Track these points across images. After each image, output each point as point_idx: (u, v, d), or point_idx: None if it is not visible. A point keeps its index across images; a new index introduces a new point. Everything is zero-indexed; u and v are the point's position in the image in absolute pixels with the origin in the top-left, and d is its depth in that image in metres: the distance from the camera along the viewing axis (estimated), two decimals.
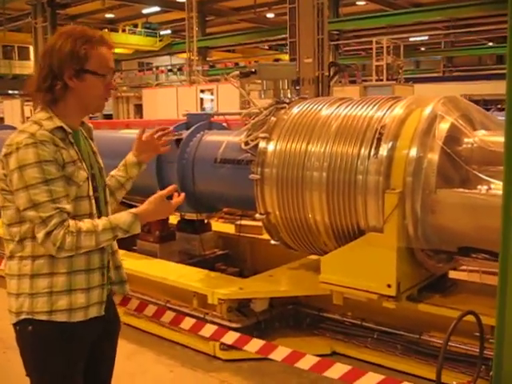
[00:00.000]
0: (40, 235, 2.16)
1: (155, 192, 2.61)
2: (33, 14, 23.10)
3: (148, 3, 30.39)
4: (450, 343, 3.20)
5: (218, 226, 6.54)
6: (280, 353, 3.47)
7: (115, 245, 2.52)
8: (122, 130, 8.08)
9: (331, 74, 13.43)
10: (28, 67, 33.81)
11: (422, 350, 4.05)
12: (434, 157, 3.63)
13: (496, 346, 2.61)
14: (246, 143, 4.70)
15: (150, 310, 4.23)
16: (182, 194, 2.50)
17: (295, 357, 3.38)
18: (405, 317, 4.15)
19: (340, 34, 24.43)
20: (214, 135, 5.34)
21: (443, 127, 3.70)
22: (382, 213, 3.70)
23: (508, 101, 2.41)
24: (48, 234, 2.15)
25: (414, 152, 3.64)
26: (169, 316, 4.12)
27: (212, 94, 16.82)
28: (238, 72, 4.97)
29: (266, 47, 39.90)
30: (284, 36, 14.64)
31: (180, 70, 28.18)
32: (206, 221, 5.95)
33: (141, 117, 19.81)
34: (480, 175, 3.53)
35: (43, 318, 2.24)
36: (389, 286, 3.69)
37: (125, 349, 4.56)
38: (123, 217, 2.31)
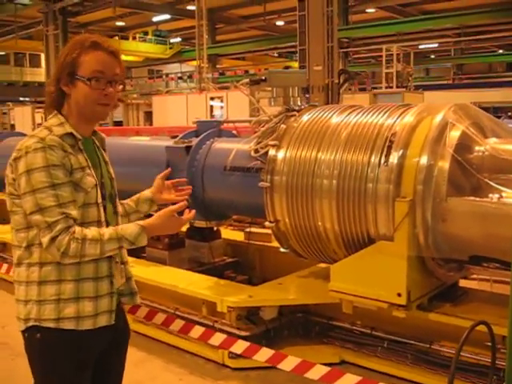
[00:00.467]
0: (45, 240, 2.16)
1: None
2: (44, 21, 23.25)
3: (158, 11, 30.53)
4: (460, 353, 3.16)
5: (228, 233, 6.53)
6: (289, 362, 3.45)
7: (125, 256, 2.52)
8: (132, 136, 8.11)
9: (341, 81, 13.41)
10: (39, 74, 34.03)
11: (432, 359, 4.02)
12: (444, 165, 3.61)
13: (508, 357, 2.57)
14: (256, 151, 4.70)
15: (159, 318, 4.21)
16: (193, 211, 2.47)
17: (304, 367, 3.36)
18: (415, 326, 4.12)
19: (350, 41, 24.42)
20: (224, 143, 5.34)
21: (454, 135, 3.68)
22: (392, 221, 3.68)
23: None
24: (53, 239, 2.14)
25: (424, 160, 3.62)
26: (178, 324, 4.10)
27: (222, 101, 16.83)
28: (248, 79, 4.98)
29: (276, 55, 39.98)
30: (294, 44, 14.66)
31: (190, 77, 28.28)
32: (215, 228, 5.94)
33: (151, 124, 19.85)
34: (491, 183, 3.51)
35: (50, 325, 2.23)
36: (399, 294, 3.66)
37: (133, 356, 4.55)
38: (130, 228, 2.29)
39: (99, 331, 2.32)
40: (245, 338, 4.28)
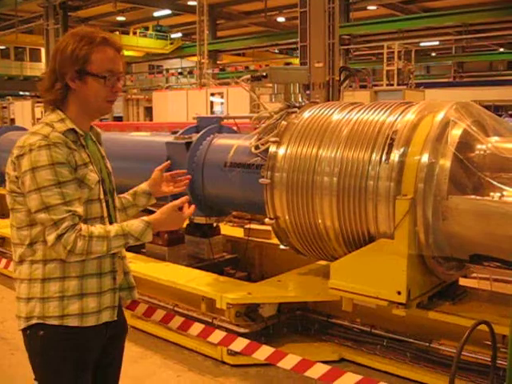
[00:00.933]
0: (51, 238, 2.13)
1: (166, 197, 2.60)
2: (45, 16, 23.25)
3: (159, 6, 30.49)
4: (461, 352, 3.15)
5: (227, 229, 6.52)
6: (289, 361, 3.43)
7: (123, 250, 2.50)
8: (132, 132, 8.10)
9: (342, 78, 13.40)
10: (39, 69, 34.02)
11: (431, 357, 4.01)
12: (446, 163, 3.59)
13: (509, 356, 2.57)
14: (257, 147, 4.68)
15: (159, 315, 4.20)
16: (192, 206, 2.47)
17: (304, 365, 3.34)
18: (415, 324, 4.11)
19: (351, 38, 24.38)
20: (224, 139, 5.32)
21: (456, 133, 3.67)
22: (392, 219, 3.67)
23: None
24: (59, 236, 2.12)
25: (425, 158, 3.60)
26: (177, 321, 4.08)
27: (222, 97, 16.83)
28: (249, 76, 4.95)
29: (276, 51, 39.94)
30: (294, 40, 14.63)
31: (190, 73, 28.24)
32: (214, 224, 5.93)
33: (151, 119, 19.85)
34: (493, 182, 3.50)
35: (55, 322, 2.21)
36: (399, 293, 3.65)
37: (132, 352, 4.56)
38: (135, 224, 2.28)
39: (101, 327, 2.31)
40: (244, 335, 4.26)
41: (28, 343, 2.30)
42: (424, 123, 3.77)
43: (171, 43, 36.43)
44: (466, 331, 3.19)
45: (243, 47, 35.20)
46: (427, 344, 4.03)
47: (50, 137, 2.17)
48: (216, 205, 5.32)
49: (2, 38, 30.60)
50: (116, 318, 2.38)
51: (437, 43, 31.43)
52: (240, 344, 3.72)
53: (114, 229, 2.23)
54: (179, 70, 31.72)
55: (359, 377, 3.18)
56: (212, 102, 17.19)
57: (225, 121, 5.79)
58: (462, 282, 4.37)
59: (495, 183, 3.48)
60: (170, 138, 5.46)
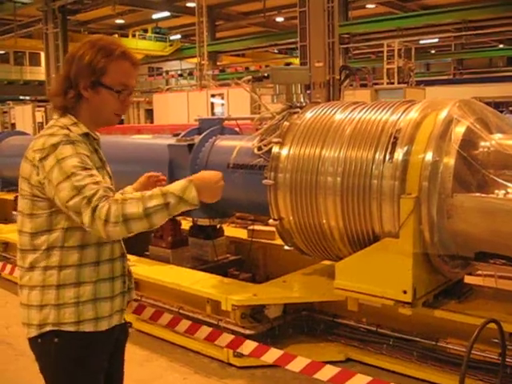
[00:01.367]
0: (87, 217, 2.04)
1: None
2: (44, 20, 23.26)
3: (158, 8, 30.52)
4: (471, 352, 3.14)
5: (231, 231, 6.51)
6: (298, 363, 3.41)
7: (123, 249, 2.49)
8: (134, 135, 8.10)
9: (342, 77, 13.39)
10: (39, 73, 34.07)
11: (438, 356, 3.99)
12: (450, 161, 3.58)
13: None
14: (259, 148, 4.68)
15: (165, 318, 4.18)
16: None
17: (313, 367, 3.32)
18: (421, 323, 4.10)
19: (350, 37, 24.38)
20: (227, 140, 5.31)
21: (459, 131, 3.66)
22: (397, 218, 3.66)
23: None
24: (93, 211, 2.03)
25: (429, 156, 3.59)
26: (184, 325, 4.07)
27: (222, 98, 16.83)
28: (250, 76, 4.94)
29: (276, 51, 39.94)
30: (293, 40, 14.64)
31: (190, 74, 28.25)
32: (218, 226, 5.92)
33: (152, 122, 19.85)
34: (497, 179, 3.49)
35: (71, 329, 2.19)
36: (404, 292, 3.64)
37: (138, 355, 4.55)
38: (175, 183, 2.15)
39: (111, 331, 2.30)
40: (249, 337, 4.26)
41: (40, 351, 2.26)
42: (427, 121, 3.76)
43: (170, 45, 36.47)
44: (472, 329, 3.19)
45: (242, 48, 35.20)
46: (434, 343, 4.01)
47: (70, 136, 2.17)
48: (219, 206, 5.30)
49: (1, 42, 30.63)
50: (123, 321, 2.39)
51: (436, 40, 31.43)
52: (248, 347, 3.71)
53: (150, 191, 2.13)
54: (179, 72, 31.74)
55: (369, 378, 3.16)
56: (213, 104, 17.20)
57: (226, 122, 5.79)
58: (467, 279, 4.36)
59: (500, 180, 3.47)
60: (172, 141, 5.45)
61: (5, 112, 24.17)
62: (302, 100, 4.78)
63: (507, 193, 3.42)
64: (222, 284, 4.84)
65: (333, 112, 4.34)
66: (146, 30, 36.36)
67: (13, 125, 22.67)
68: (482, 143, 3.66)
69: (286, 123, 4.51)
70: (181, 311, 4.81)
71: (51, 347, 2.21)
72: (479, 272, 4.36)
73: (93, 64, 2.22)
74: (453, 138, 3.62)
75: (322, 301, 4.54)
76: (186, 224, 6.01)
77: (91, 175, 2.11)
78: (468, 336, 3.20)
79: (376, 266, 3.77)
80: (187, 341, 4.64)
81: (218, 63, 33.83)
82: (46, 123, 2.37)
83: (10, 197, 8.47)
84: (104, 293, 2.26)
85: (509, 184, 3.44)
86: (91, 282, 2.23)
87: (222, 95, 16.90)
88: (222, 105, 16.71)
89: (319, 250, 4.38)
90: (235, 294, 4.46)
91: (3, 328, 5.28)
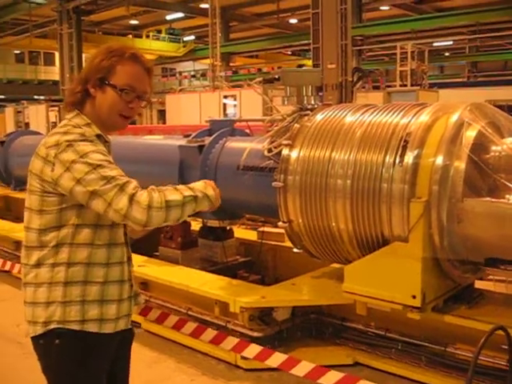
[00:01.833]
0: (122, 203, 2.06)
1: None
2: (58, 20, 23.42)
3: (172, 9, 30.61)
4: (478, 358, 3.11)
5: (241, 232, 6.50)
6: (302, 368, 3.39)
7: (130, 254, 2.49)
8: (145, 136, 8.12)
9: (355, 79, 13.36)
10: (53, 73, 34.26)
11: (447, 362, 3.96)
12: (460, 165, 3.55)
13: None
14: (269, 150, 4.67)
15: (171, 320, 4.18)
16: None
17: (318, 372, 3.29)
18: (430, 328, 4.07)
19: (363, 39, 24.30)
20: (237, 142, 5.31)
21: (470, 135, 3.63)
22: (406, 222, 3.63)
23: None
24: (131, 197, 2.06)
25: (440, 160, 3.57)
26: (190, 327, 4.06)
27: (235, 99, 16.83)
28: (261, 78, 4.94)
29: (289, 53, 39.91)
30: (307, 41, 14.62)
31: (203, 75, 28.30)
32: (228, 227, 5.92)
33: (164, 122, 19.89)
34: (508, 184, 3.46)
35: (75, 327, 2.19)
36: (413, 296, 3.61)
37: (146, 357, 4.56)
38: (192, 184, 2.28)
39: (116, 335, 2.30)
40: (257, 339, 4.25)
41: (42, 352, 2.27)
42: (438, 125, 3.73)
43: (184, 46, 36.54)
44: (482, 335, 3.16)
45: (256, 49, 35.21)
46: (443, 348, 3.98)
47: (86, 134, 2.20)
48: (229, 208, 5.29)
49: (16, 42, 30.90)
50: (130, 326, 2.40)
51: (450, 43, 31.24)
52: (252, 350, 3.69)
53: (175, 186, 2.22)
54: (192, 73, 31.81)
55: None
56: (225, 105, 17.21)
57: (237, 123, 5.78)
58: (478, 284, 4.32)
59: (511, 185, 3.44)
60: (183, 142, 5.46)
61: (19, 112, 24.32)
62: (312, 102, 4.77)
63: None
64: (230, 286, 4.84)
65: (343, 114, 4.33)
66: (159, 31, 36.46)
67: (27, 124, 22.81)
68: (494, 147, 3.62)
69: (297, 125, 4.50)
70: (189, 312, 4.82)
71: (52, 348, 2.22)
72: (490, 277, 4.33)
73: (102, 63, 2.27)
74: (464, 142, 3.59)
75: (331, 304, 4.52)
76: (195, 225, 6.01)
77: (117, 168, 2.15)
78: (477, 342, 3.16)
79: (385, 270, 3.75)
80: (195, 342, 4.64)
81: (232, 64, 33.86)
82: (60, 123, 2.38)
83: (23, 196, 8.51)
84: (111, 295, 2.27)
85: None
86: (99, 283, 2.23)
87: (234, 96, 16.90)
88: (235, 106, 16.72)
89: (328, 252, 4.37)
90: (243, 296, 4.46)
91: (14, 326, 5.30)
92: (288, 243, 4.99)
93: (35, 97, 33.37)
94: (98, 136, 2.29)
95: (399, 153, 3.74)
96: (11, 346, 4.92)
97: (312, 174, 4.18)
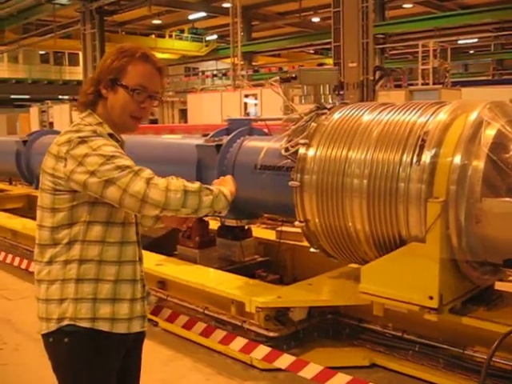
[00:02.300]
0: (139, 186, 2.07)
1: None
2: (82, 21, 23.66)
3: (194, 9, 30.72)
4: (493, 359, 3.06)
5: (259, 232, 6.49)
6: (310, 370, 3.35)
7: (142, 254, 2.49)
8: (165, 135, 8.15)
9: (376, 78, 13.26)
10: (77, 73, 34.63)
11: (465, 364, 3.89)
12: (479, 164, 3.49)
13: None
14: (286, 149, 4.64)
15: (181, 320, 4.17)
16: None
17: (326, 375, 3.25)
18: (448, 330, 4.01)
19: (386, 37, 24.13)
20: (255, 141, 5.29)
21: (489, 133, 3.57)
22: (424, 222, 3.58)
23: None
24: (147, 181, 2.08)
25: (458, 159, 3.51)
26: (200, 327, 4.06)
27: (256, 98, 16.83)
28: (278, 77, 4.92)
29: (312, 51, 39.81)
30: (329, 40, 14.56)
31: (225, 74, 28.36)
32: (246, 227, 5.91)
33: (185, 121, 19.98)
34: None
35: (86, 325, 2.19)
36: (431, 297, 3.56)
37: (162, 355, 4.57)
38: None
39: (128, 336, 2.29)
40: (273, 339, 4.24)
41: (52, 350, 2.27)
42: (456, 123, 3.67)
43: (206, 45, 36.71)
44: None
45: (278, 48, 35.19)
46: (461, 350, 3.91)
47: (97, 131, 2.22)
48: (246, 207, 5.29)
49: (41, 43, 31.28)
50: (146, 328, 2.38)
51: (475, 40, 30.88)
52: (261, 352, 3.67)
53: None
54: (214, 72, 31.89)
55: None
56: (246, 104, 17.22)
57: (256, 123, 5.77)
58: (497, 285, 4.25)
59: None
60: (201, 141, 5.46)
61: (43, 111, 24.65)
62: (330, 101, 4.74)
63: None
64: (247, 285, 4.83)
65: (360, 113, 4.28)
66: (182, 31, 36.67)
67: (51, 124, 23.14)
68: None
69: (314, 124, 4.47)
70: (206, 312, 4.82)
71: (62, 346, 2.21)
72: (510, 278, 4.25)
73: (113, 64, 2.28)
74: (482, 141, 3.53)
75: (348, 305, 4.49)
76: (214, 224, 6.02)
77: (130, 159, 2.17)
78: None
79: (402, 271, 3.70)
80: (211, 341, 4.63)
81: (254, 63, 33.87)
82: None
83: None
84: (124, 294, 2.26)
85: None
86: (111, 281, 2.23)
87: (255, 95, 16.91)
88: (255, 105, 16.72)
89: (345, 252, 4.33)
90: (259, 296, 4.44)
91: (34, 323, 5.33)
92: (306, 243, 4.96)
93: (59, 97, 33.78)
94: (110, 135, 2.29)
95: (416, 152, 3.68)
96: (28, 343, 4.97)
97: (328, 173, 4.15)
